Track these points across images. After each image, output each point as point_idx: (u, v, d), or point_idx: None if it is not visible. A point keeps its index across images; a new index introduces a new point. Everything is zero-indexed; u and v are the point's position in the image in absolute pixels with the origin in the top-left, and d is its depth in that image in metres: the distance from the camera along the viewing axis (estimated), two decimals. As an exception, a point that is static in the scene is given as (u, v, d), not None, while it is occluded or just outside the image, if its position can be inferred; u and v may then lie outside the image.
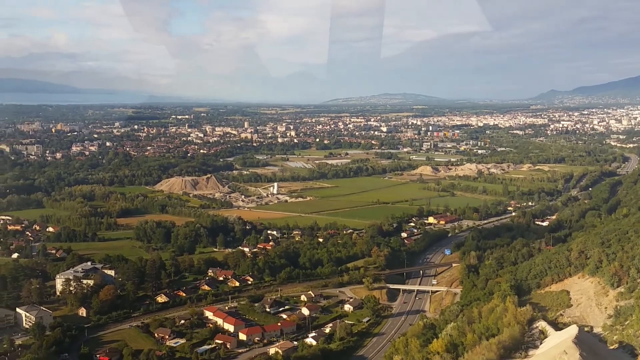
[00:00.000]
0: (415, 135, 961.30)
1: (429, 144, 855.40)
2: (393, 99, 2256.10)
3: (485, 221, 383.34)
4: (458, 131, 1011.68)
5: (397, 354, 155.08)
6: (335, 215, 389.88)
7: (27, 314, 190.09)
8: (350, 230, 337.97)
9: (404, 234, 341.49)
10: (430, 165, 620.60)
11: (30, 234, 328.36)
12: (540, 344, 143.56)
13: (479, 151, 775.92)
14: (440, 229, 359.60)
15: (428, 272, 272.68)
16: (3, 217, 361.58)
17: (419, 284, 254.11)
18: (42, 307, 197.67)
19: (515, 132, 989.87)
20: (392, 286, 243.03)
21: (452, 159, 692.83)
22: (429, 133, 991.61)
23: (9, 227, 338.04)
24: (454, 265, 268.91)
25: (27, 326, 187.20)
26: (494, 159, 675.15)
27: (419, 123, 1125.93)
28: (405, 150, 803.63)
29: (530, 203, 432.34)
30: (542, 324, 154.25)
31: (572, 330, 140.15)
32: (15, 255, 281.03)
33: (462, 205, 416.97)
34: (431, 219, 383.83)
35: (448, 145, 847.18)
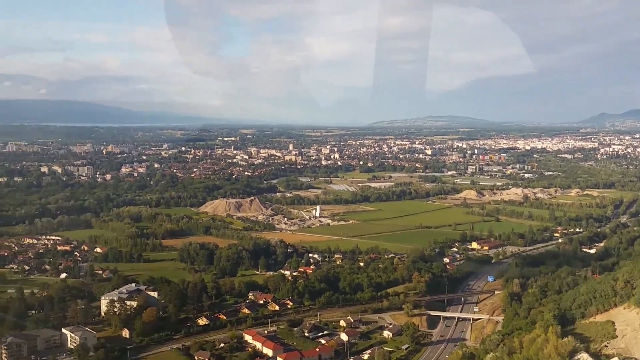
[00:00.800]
0: (460, 159, 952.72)
1: (474, 167, 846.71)
2: (439, 121, 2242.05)
3: (531, 247, 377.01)
4: (504, 154, 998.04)
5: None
6: (377, 239, 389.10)
7: (72, 335, 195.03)
8: (392, 255, 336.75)
9: (446, 259, 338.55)
10: (475, 189, 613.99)
11: (78, 255, 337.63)
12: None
13: (526, 175, 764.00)
14: (484, 254, 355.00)
15: (470, 299, 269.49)
16: (53, 238, 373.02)
17: (460, 311, 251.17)
18: (86, 328, 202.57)
19: (563, 155, 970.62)
20: (432, 313, 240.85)
21: (497, 183, 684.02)
22: (474, 156, 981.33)
23: (59, 248, 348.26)
24: (496, 292, 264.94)
25: (71, 347, 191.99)
26: (541, 183, 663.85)
27: (464, 146, 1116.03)
28: (449, 173, 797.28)
29: (577, 229, 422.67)
30: (584, 356, 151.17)
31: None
32: (63, 275, 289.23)
33: (506, 230, 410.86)
34: (474, 244, 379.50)
35: (494, 169, 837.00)
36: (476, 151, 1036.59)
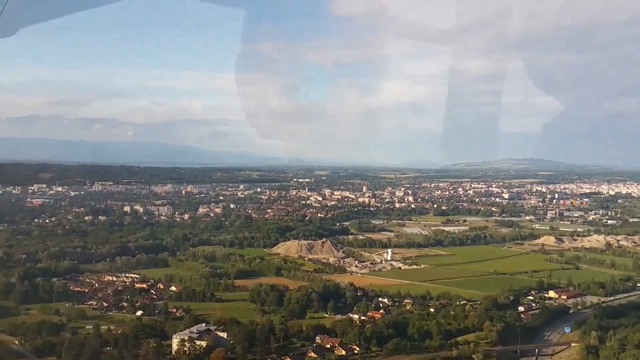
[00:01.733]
0: (539, 203, 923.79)
1: (553, 212, 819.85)
2: (517, 164, 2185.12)
3: (612, 298, 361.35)
4: (587, 199, 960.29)
5: None
6: (449, 284, 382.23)
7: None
8: (464, 302, 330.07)
9: (521, 308, 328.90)
10: (554, 235, 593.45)
11: (154, 293, 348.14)
12: None
13: (609, 221, 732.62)
14: (561, 304, 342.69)
15: (545, 351, 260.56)
16: (132, 275, 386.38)
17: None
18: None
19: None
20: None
21: (578, 229, 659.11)
22: (554, 201, 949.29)
23: (136, 285, 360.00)
24: (572, 344, 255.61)
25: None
26: (625, 230, 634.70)
27: (543, 190, 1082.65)
28: (527, 218, 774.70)
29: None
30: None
31: None
32: (139, 313, 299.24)
33: (586, 279, 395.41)
34: (552, 293, 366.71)
35: (575, 215, 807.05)
36: (556, 195, 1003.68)
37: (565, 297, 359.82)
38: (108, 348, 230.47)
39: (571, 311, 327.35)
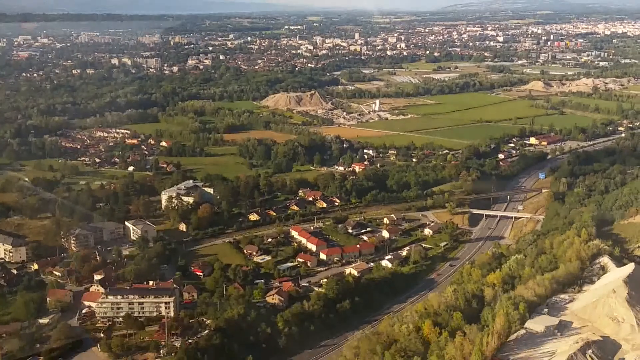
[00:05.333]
0: (534, 46, 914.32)
1: (546, 55, 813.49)
2: (516, 3, 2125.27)
3: (592, 142, 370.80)
4: (581, 40, 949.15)
5: (462, 282, 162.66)
6: (434, 134, 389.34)
7: (134, 228, 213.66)
8: (446, 151, 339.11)
9: (501, 156, 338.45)
10: (543, 80, 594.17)
11: (145, 148, 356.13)
12: (598, 279, 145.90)
13: (600, 63, 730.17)
14: (540, 151, 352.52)
15: (517, 197, 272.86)
16: (122, 131, 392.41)
17: (504, 210, 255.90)
18: (147, 222, 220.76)
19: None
20: (474, 211, 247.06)
21: (568, 72, 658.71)
22: (549, 43, 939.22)
23: (127, 141, 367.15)
24: (544, 191, 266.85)
25: (133, 238, 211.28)
26: (614, 72, 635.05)
27: (539, 31, 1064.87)
28: (519, 62, 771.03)
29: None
30: (604, 260, 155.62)
31: (628, 268, 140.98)
32: (131, 168, 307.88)
33: (569, 124, 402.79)
34: (533, 140, 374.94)
35: (567, 57, 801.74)
36: (552, 37, 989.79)
37: (545, 143, 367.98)
38: (100, 204, 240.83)
39: (549, 157, 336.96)
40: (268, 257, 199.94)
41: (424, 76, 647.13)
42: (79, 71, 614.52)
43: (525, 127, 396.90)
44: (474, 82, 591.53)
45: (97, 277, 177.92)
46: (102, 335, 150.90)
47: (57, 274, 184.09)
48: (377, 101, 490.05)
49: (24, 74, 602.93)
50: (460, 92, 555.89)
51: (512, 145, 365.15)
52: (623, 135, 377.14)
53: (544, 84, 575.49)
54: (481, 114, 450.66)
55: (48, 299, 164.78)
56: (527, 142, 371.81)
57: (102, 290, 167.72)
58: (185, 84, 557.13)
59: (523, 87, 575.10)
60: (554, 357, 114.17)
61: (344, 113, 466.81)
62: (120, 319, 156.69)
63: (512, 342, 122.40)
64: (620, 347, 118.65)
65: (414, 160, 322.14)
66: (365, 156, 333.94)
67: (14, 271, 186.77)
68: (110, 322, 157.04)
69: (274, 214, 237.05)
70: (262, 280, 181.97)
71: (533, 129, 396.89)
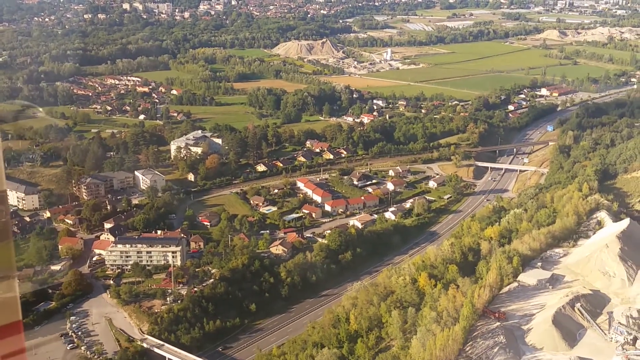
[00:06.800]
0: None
1: (563, 2, 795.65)
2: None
3: (604, 94, 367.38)
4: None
5: (462, 235, 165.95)
6: (445, 84, 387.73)
7: (144, 177, 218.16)
8: (456, 102, 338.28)
9: (511, 107, 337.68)
10: (558, 29, 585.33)
11: (156, 96, 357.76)
12: (593, 234, 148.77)
13: (618, 12, 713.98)
14: (550, 102, 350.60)
15: (523, 150, 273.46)
16: (133, 79, 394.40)
17: (510, 163, 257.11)
18: (156, 171, 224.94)
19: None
20: (480, 164, 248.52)
21: (585, 21, 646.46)
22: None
23: (138, 89, 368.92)
24: (550, 143, 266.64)
25: (143, 187, 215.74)
26: (632, 21, 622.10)
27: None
28: (536, 10, 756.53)
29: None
30: (601, 215, 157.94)
31: (623, 223, 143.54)
32: (141, 117, 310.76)
33: (581, 75, 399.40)
34: (543, 91, 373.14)
35: (585, 4, 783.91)
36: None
37: (556, 94, 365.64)
38: (111, 153, 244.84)
39: (559, 109, 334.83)
40: (274, 208, 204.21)
41: (438, 24, 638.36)
42: (90, 16, 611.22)
43: (537, 78, 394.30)
44: (488, 30, 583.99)
45: (107, 225, 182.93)
46: (111, 282, 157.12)
47: (69, 221, 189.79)
48: (389, 50, 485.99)
49: (35, 18, 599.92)
50: (474, 41, 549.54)
51: (522, 96, 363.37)
52: (635, 87, 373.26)
53: (559, 33, 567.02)
54: (493, 63, 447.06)
55: (59, 246, 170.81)
56: (538, 93, 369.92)
57: (111, 238, 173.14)
58: (197, 31, 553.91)
59: (538, 36, 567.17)
60: (543, 309, 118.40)
61: (355, 62, 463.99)
62: (129, 266, 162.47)
63: (505, 294, 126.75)
64: (610, 301, 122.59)
65: (422, 111, 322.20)
66: (375, 107, 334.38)
67: (27, 219, 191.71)
68: (119, 270, 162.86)
69: (281, 165, 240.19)
70: (267, 231, 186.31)
71: (545, 80, 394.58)
